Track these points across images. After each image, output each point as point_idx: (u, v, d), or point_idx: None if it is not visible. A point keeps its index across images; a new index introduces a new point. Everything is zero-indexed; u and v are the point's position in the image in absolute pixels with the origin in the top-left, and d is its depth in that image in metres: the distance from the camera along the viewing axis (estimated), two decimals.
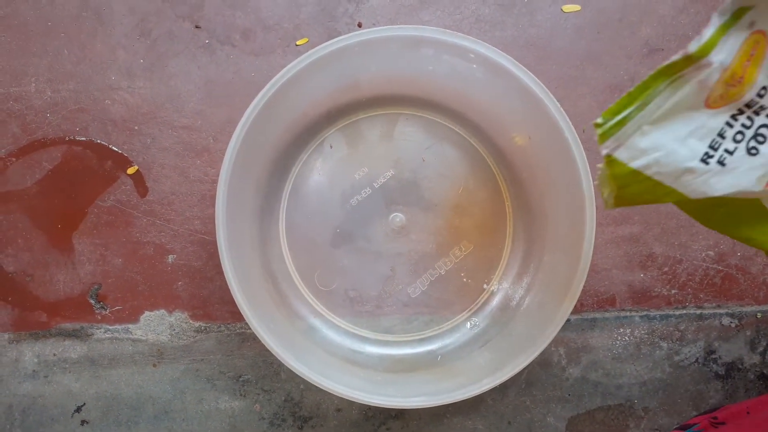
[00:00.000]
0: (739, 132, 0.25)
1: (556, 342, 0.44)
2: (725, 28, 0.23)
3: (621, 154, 0.25)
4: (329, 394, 0.37)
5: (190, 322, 0.45)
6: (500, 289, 0.43)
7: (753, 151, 0.25)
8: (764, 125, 0.24)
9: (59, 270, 0.45)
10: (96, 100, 0.46)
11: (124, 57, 0.46)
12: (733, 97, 0.24)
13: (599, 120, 0.25)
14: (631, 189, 0.26)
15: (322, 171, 0.44)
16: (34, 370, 0.45)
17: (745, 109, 0.24)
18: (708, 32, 0.23)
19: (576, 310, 0.45)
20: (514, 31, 0.46)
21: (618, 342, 0.45)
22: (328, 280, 0.43)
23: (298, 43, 0.46)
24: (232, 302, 0.38)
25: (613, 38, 0.46)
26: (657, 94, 0.24)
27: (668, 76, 0.24)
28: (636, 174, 0.25)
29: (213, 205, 0.38)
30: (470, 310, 0.43)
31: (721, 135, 0.25)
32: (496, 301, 0.43)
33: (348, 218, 0.43)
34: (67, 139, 0.46)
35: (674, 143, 0.25)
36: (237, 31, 0.46)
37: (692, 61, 0.24)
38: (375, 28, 0.38)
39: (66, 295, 0.45)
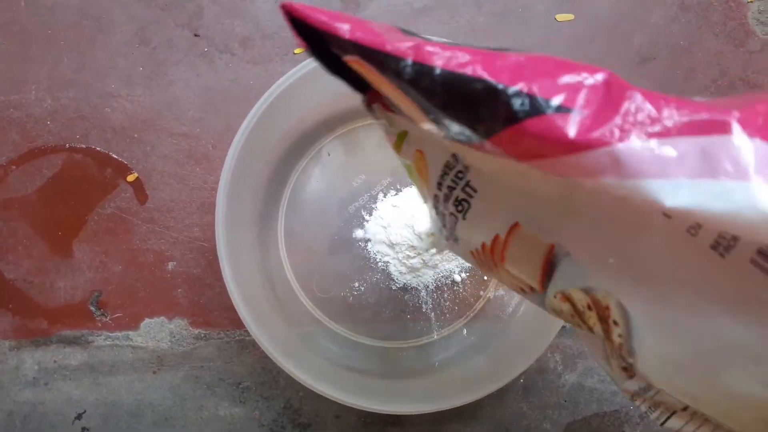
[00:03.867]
0: (444, 225, 0.25)
1: (552, 348, 0.45)
2: (401, 138, 0.24)
3: None
4: (328, 400, 0.37)
5: (190, 329, 0.45)
6: (497, 296, 0.44)
7: (455, 242, 0.25)
8: (452, 228, 0.24)
9: (59, 277, 0.46)
10: (96, 107, 0.46)
11: (123, 65, 0.46)
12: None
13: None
14: None
15: (320, 178, 0.45)
16: (34, 378, 0.45)
17: (436, 211, 0.25)
18: (390, 138, 0.25)
19: None
20: (509, 39, 0.46)
21: None
22: (326, 286, 0.44)
23: (296, 51, 0.46)
24: (231, 309, 0.38)
25: (606, 47, 0.46)
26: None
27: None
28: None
29: (212, 212, 0.39)
30: (467, 317, 0.43)
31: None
32: (492, 308, 0.43)
33: (346, 225, 0.44)
34: (67, 146, 0.46)
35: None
36: (236, 40, 0.46)
37: (397, 153, 0.26)
38: None
39: (66, 302, 0.45)
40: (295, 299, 0.44)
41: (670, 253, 0.15)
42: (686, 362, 0.16)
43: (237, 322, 0.45)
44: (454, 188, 0.22)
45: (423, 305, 0.43)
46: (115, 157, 0.46)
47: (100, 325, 0.45)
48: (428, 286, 0.43)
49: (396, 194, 0.44)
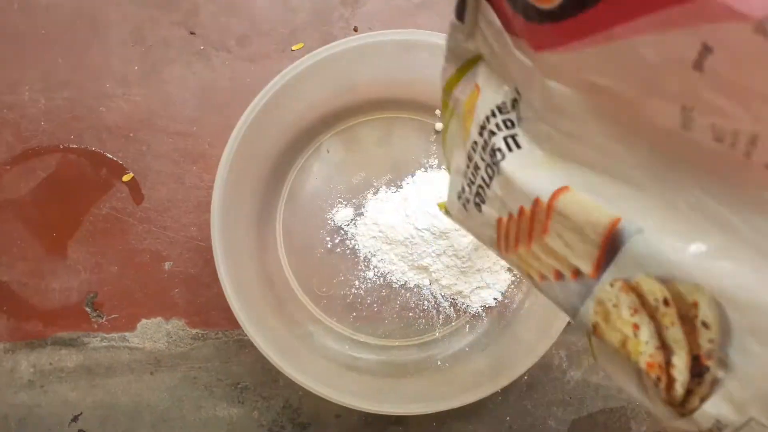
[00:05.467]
0: (471, 183, 0.23)
1: (557, 345, 0.44)
2: (464, 70, 0.22)
3: None
4: (328, 400, 0.37)
5: (187, 329, 0.45)
6: (500, 292, 0.43)
7: (478, 208, 0.23)
8: (481, 186, 0.22)
9: (55, 278, 0.45)
10: (90, 108, 0.46)
11: (118, 64, 0.46)
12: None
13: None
14: None
15: (319, 175, 0.44)
16: (30, 380, 0.44)
17: (468, 163, 0.22)
18: (448, 71, 0.22)
19: None
20: None
21: None
22: (326, 285, 0.43)
23: (293, 48, 0.46)
24: (229, 309, 0.37)
25: None
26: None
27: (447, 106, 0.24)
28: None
29: (209, 211, 0.38)
30: (470, 314, 0.43)
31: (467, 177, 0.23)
32: (495, 303, 0.42)
33: (346, 223, 0.43)
34: (61, 147, 0.46)
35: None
36: (232, 37, 0.46)
37: (446, 93, 0.23)
38: (370, 33, 0.38)
39: (62, 304, 0.45)
40: (294, 298, 0.43)
41: None
42: None
43: (235, 322, 0.44)
44: (495, 134, 0.20)
45: (425, 302, 0.43)
46: (110, 157, 0.46)
47: (96, 326, 0.45)
48: (430, 283, 0.42)
49: (396, 191, 0.43)
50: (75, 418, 0.44)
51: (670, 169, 0.14)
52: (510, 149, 0.19)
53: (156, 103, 0.46)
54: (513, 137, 0.19)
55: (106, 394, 0.44)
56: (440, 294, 0.42)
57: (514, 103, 0.19)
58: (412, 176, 0.43)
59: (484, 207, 0.22)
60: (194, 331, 0.45)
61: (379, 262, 0.43)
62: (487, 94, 0.20)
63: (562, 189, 0.17)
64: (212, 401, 0.44)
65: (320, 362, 0.41)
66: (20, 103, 0.46)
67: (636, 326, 0.16)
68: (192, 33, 0.46)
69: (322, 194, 0.44)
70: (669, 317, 0.15)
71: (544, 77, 0.16)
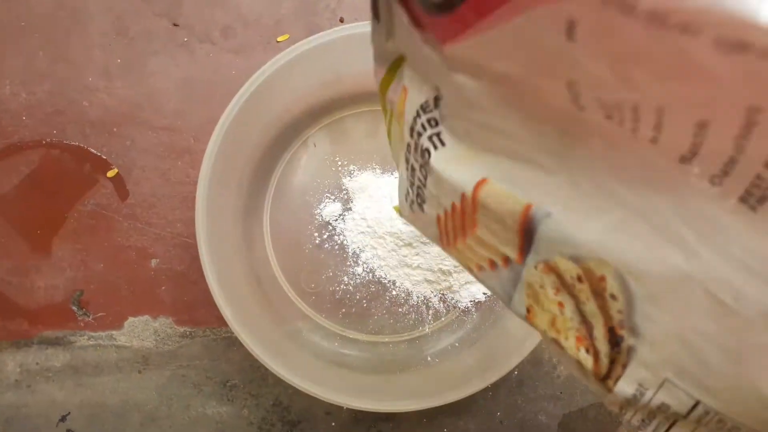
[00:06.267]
0: (411, 184, 0.23)
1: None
2: (393, 71, 0.21)
3: None
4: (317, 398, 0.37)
5: (175, 327, 0.44)
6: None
7: (421, 208, 0.23)
8: (419, 186, 0.22)
9: (40, 276, 0.44)
10: (73, 101, 0.45)
11: (100, 57, 0.45)
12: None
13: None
14: None
15: (307, 169, 0.43)
16: (16, 380, 0.44)
17: (407, 165, 0.23)
18: (379, 72, 0.22)
19: None
20: None
21: None
22: (314, 281, 0.43)
23: (279, 39, 0.45)
24: (217, 306, 0.37)
25: None
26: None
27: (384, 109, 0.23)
28: None
29: (195, 207, 0.38)
30: (459, 309, 0.42)
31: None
32: (485, 299, 0.42)
33: (333, 218, 0.43)
34: (44, 142, 0.45)
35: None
36: (216, 29, 0.45)
37: (381, 95, 0.23)
38: (357, 23, 0.38)
39: (47, 302, 0.44)
40: (282, 295, 0.43)
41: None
42: (708, 341, 0.13)
43: (223, 320, 0.44)
44: (422, 134, 0.20)
45: (414, 298, 0.42)
46: (93, 152, 0.45)
47: (82, 324, 0.44)
48: (419, 279, 0.42)
49: (384, 185, 0.43)
50: (63, 418, 0.44)
51: (573, 152, 0.15)
52: (435, 147, 0.20)
53: (139, 96, 0.45)
54: (437, 135, 0.19)
55: (93, 393, 0.44)
56: (429, 289, 0.42)
57: (436, 101, 0.19)
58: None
59: (425, 206, 0.22)
60: (182, 329, 0.44)
61: (367, 257, 0.42)
62: (412, 94, 0.20)
63: (482, 182, 0.18)
64: (201, 400, 0.44)
65: (309, 359, 0.40)
66: (1, 96, 0.45)
67: (561, 304, 0.17)
68: (175, 24, 0.45)
69: (310, 189, 0.43)
70: (584, 293, 0.16)
71: (451, 71, 0.16)
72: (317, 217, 0.43)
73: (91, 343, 0.44)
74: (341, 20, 0.45)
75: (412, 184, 0.23)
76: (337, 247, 0.43)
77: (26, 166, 0.45)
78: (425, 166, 0.20)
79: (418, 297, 0.42)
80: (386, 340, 0.43)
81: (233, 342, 0.44)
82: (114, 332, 0.44)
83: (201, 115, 0.45)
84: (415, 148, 0.21)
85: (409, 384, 0.40)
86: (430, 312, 0.42)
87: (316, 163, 0.43)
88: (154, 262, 0.44)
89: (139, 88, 0.45)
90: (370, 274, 0.42)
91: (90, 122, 0.45)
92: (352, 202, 0.42)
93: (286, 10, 0.45)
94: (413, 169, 0.22)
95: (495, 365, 0.38)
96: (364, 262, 0.42)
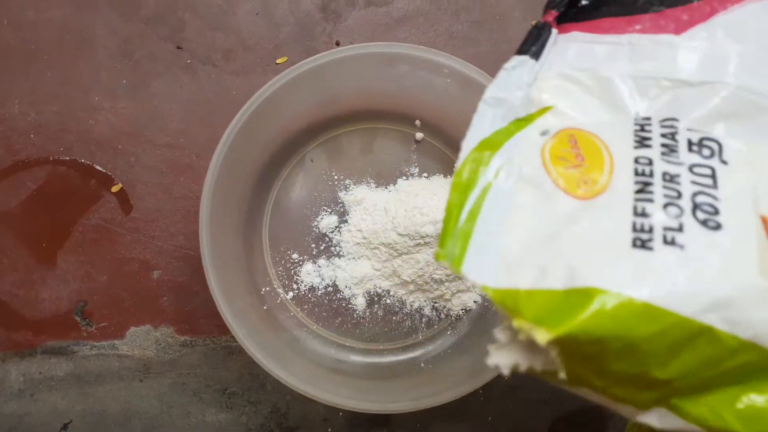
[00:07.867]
0: (670, 198, 0.19)
1: None
2: (521, 124, 0.21)
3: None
4: (315, 404, 0.38)
5: (176, 336, 0.45)
6: (481, 294, 0.44)
7: (712, 227, 0.19)
8: (701, 192, 0.19)
9: (45, 288, 0.46)
10: (80, 120, 0.47)
11: (107, 78, 0.47)
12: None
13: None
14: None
15: (304, 185, 0.45)
16: (20, 389, 0.45)
17: (642, 179, 0.20)
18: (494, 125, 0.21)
19: None
20: (487, 46, 0.47)
21: None
22: (311, 291, 0.44)
23: (278, 61, 0.47)
24: (216, 316, 0.38)
25: None
26: None
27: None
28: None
29: (197, 221, 0.39)
30: (452, 316, 0.44)
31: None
32: (476, 306, 0.44)
33: (330, 230, 0.44)
34: (51, 159, 0.46)
35: None
36: (218, 51, 0.47)
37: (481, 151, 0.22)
38: (352, 46, 0.40)
39: (51, 313, 0.46)
40: (280, 304, 0.44)
41: None
42: None
43: (223, 329, 0.45)
44: (675, 133, 0.19)
45: (408, 306, 0.44)
46: (99, 168, 0.46)
47: (85, 334, 0.45)
48: (412, 288, 0.44)
49: (379, 199, 0.44)
50: (65, 426, 0.45)
51: None
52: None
53: (144, 115, 0.47)
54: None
55: (95, 401, 0.45)
56: (422, 298, 0.44)
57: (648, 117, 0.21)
58: (394, 184, 0.45)
59: (719, 218, 0.18)
60: (183, 338, 0.45)
61: (363, 267, 0.44)
62: (609, 129, 0.20)
63: None
64: (201, 407, 0.45)
65: (307, 366, 0.42)
66: (10, 116, 0.47)
67: None
68: (179, 47, 0.47)
69: (307, 203, 0.45)
70: None
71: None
72: (314, 229, 0.44)
73: (93, 352, 0.45)
74: (337, 43, 0.47)
75: (671, 197, 0.18)
76: (333, 258, 0.44)
77: (33, 182, 0.46)
78: (709, 159, 0.18)
79: (411, 305, 0.44)
80: (381, 347, 0.44)
81: (232, 350, 0.45)
82: (116, 342, 0.45)
83: (203, 133, 0.47)
84: (672, 149, 0.19)
85: (404, 388, 0.41)
86: (423, 320, 0.44)
87: (314, 178, 0.45)
88: (156, 274, 0.46)
89: (143, 108, 0.47)
90: (366, 284, 0.44)
91: (96, 140, 0.47)
92: (348, 214, 0.44)
93: (284, 34, 0.47)
94: (671, 177, 0.19)
95: (486, 369, 0.39)
96: (360, 273, 0.44)
